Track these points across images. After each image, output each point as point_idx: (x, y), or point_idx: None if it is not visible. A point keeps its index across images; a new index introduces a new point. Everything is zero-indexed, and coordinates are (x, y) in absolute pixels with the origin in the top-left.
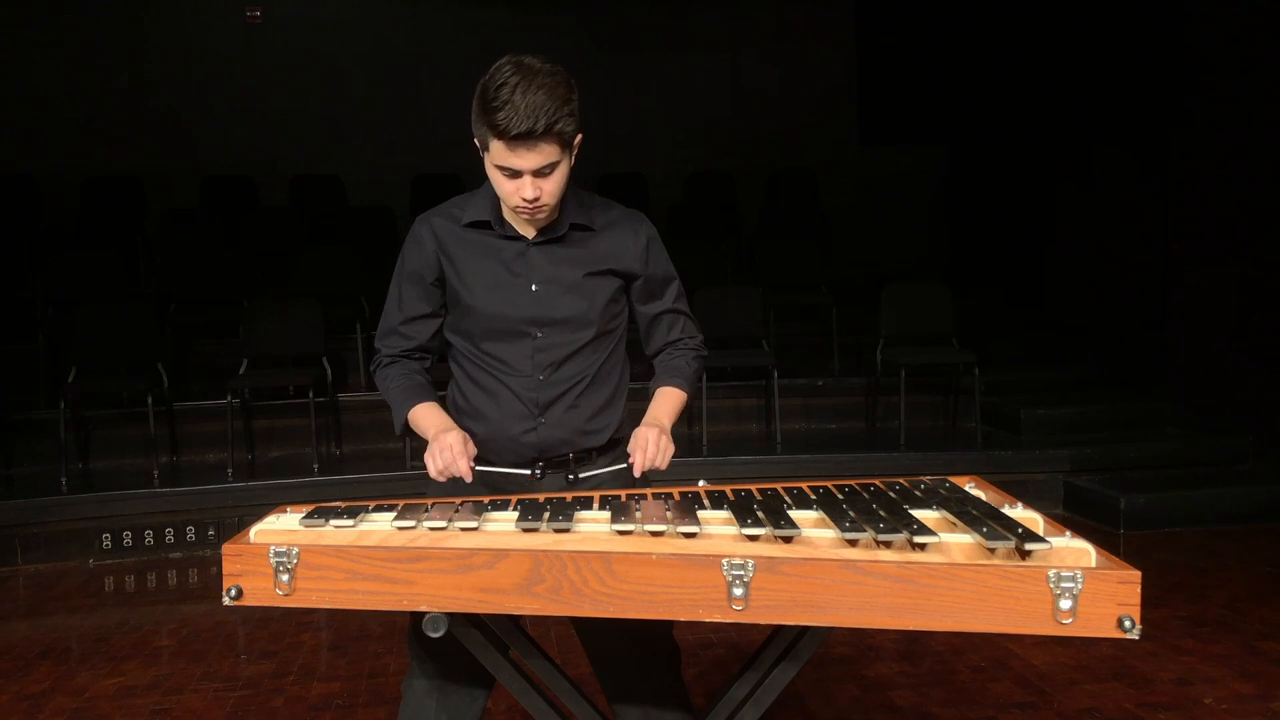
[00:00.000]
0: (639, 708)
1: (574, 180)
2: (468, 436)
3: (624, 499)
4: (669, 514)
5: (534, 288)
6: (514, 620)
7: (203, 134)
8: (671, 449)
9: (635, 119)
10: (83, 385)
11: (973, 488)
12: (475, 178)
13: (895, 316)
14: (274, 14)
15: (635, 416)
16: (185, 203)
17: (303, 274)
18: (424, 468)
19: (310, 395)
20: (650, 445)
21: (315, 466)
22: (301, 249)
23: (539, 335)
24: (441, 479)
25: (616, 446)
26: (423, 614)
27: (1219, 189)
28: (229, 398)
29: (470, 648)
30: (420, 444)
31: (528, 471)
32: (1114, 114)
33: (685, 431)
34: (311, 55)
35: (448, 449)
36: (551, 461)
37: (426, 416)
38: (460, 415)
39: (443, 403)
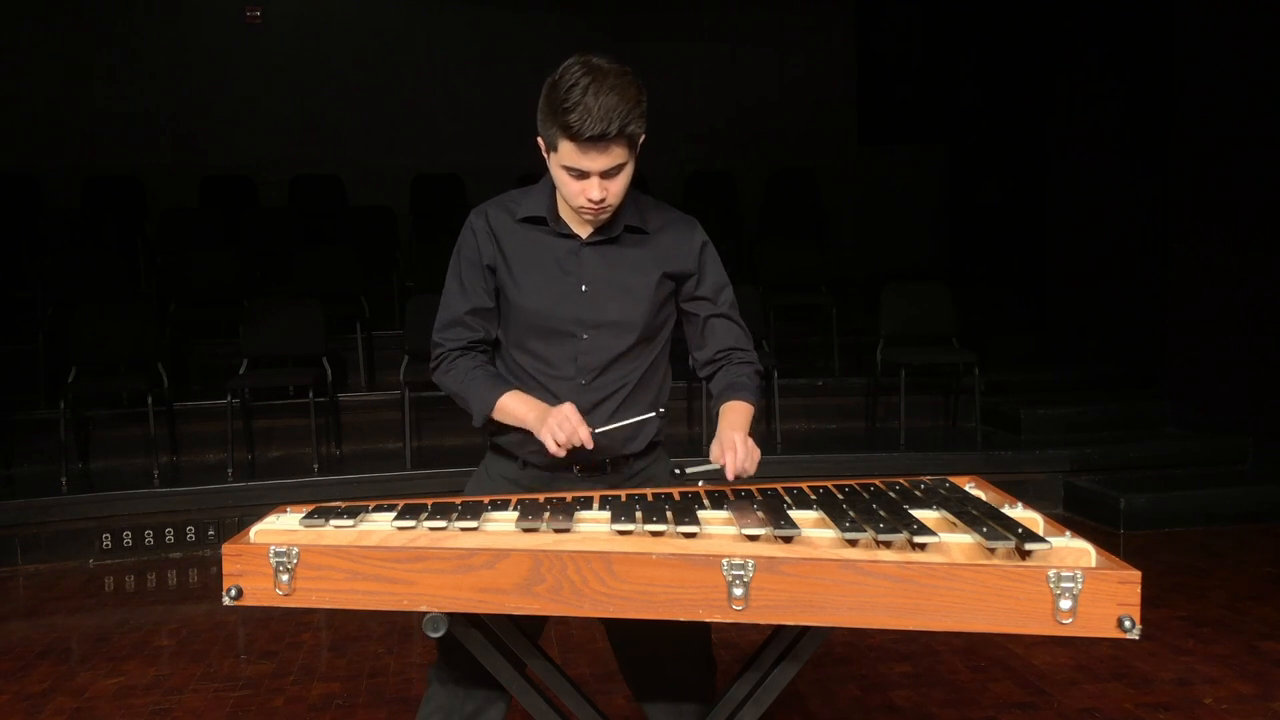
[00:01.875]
0: (671, 704)
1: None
2: (575, 406)
3: (624, 499)
4: (669, 513)
5: (583, 288)
6: (514, 620)
7: (203, 134)
8: (758, 453)
9: None
10: (83, 385)
11: (973, 488)
12: (475, 177)
13: (895, 316)
14: (274, 14)
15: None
16: (185, 203)
17: (303, 274)
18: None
19: (310, 395)
20: (739, 447)
21: (315, 466)
22: (301, 249)
23: (584, 337)
24: (562, 453)
25: (655, 449)
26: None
27: (1219, 188)
28: (229, 398)
29: (470, 648)
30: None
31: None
32: (1113, 113)
33: (686, 432)
34: (311, 55)
35: (566, 420)
36: (588, 467)
37: (520, 403)
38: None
39: None
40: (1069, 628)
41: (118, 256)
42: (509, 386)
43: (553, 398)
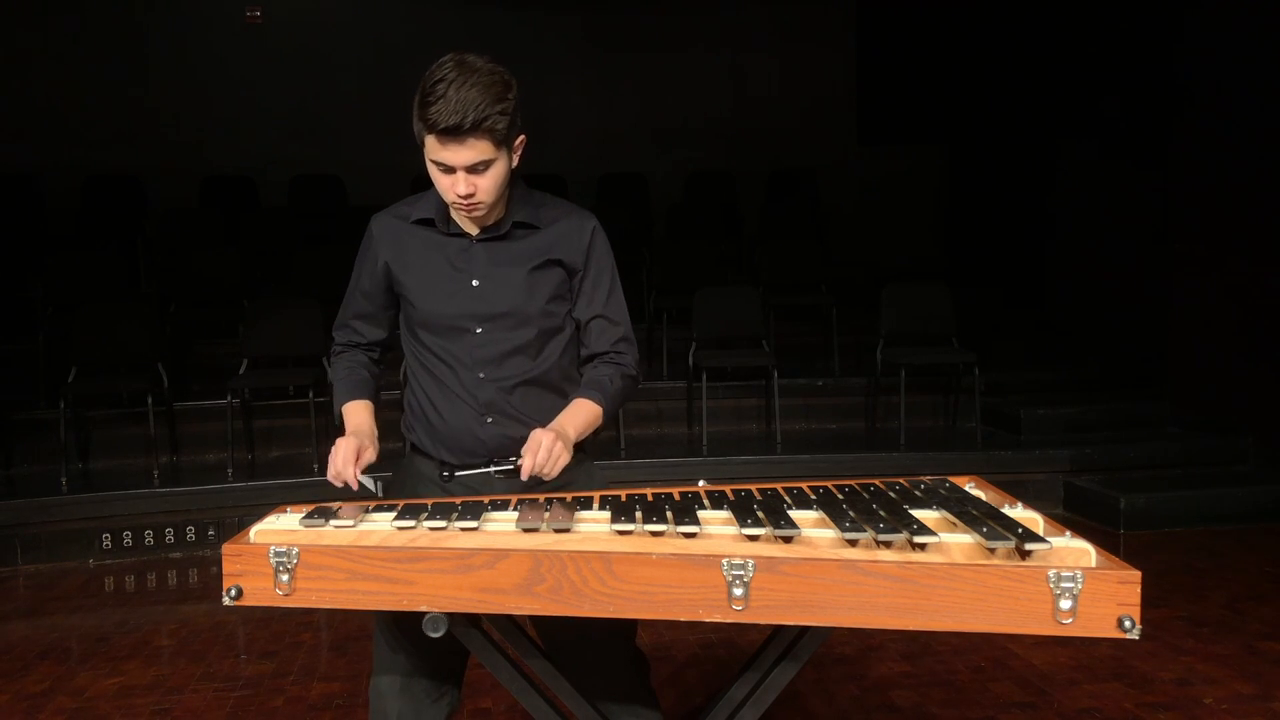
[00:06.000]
0: (601, 706)
1: (571, 180)
2: (365, 443)
3: (624, 499)
4: (669, 513)
5: (475, 283)
6: (514, 620)
7: (203, 134)
8: (565, 458)
9: (635, 119)
10: (83, 385)
11: (973, 488)
12: None
13: (895, 316)
14: (274, 14)
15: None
16: (185, 203)
17: (302, 274)
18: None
19: (310, 395)
20: (542, 450)
21: (315, 466)
22: (301, 249)
23: (479, 331)
24: (336, 484)
25: (576, 453)
26: (386, 615)
27: (1219, 189)
28: (229, 398)
29: (470, 647)
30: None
31: (370, 484)
32: (1113, 114)
33: (685, 432)
34: (311, 55)
35: (340, 455)
36: (503, 463)
37: (348, 416)
38: (415, 413)
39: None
40: (1069, 628)
41: (118, 256)
42: (356, 396)
43: (455, 394)
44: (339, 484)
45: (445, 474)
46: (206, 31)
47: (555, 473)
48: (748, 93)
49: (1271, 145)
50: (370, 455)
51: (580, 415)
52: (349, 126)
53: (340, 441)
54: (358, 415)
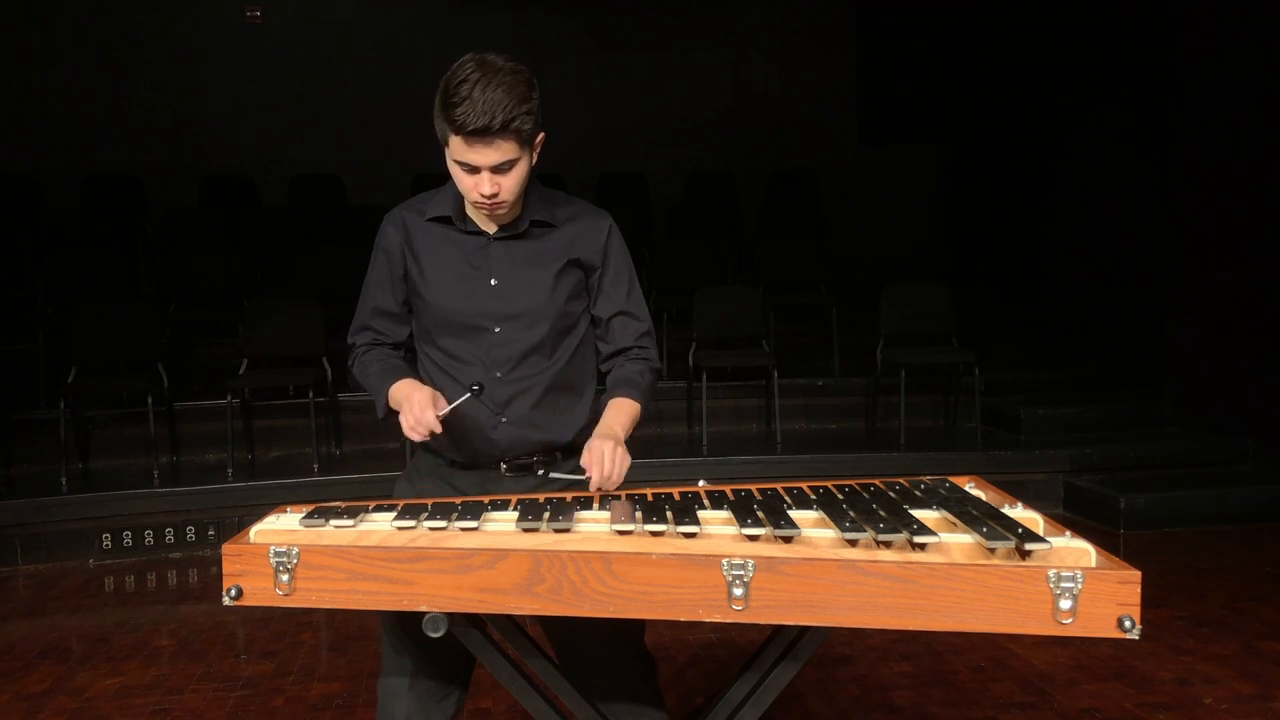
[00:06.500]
0: (606, 705)
1: (571, 180)
2: (438, 394)
3: (623, 498)
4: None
5: (493, 282)
6: (514, 620)
7: (203, 134)
8: (627, 462)
9: (635, 119)
10: (83, 385)
11: (973, 488)
12: None
13: (895, 316)
14: (274, 14)
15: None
16: (185, 203)
17: (302, 274)
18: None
19: (310, 395)
20: (606, 460)
21: (315, 466)
22: (301, 249)
23: (496, 330)
24: (416, 435)
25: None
26: (392, 616)
27: (1219, 189)
28: (229, 398)
29: (470, 647)
30: None
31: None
32: (1113, 113)
33: (685, 432)
34: (311, 55)
35: (415, 404)
36: (514, 464)
37: (401, 389)
38: None
39: None
40: (1069, 628)
41: (118, 256)
42: (400, 375)
43: (467, 392)
44: (418, 436)
45: (541, 472)
46: (206, 31)
47: (620, 479)
48: (748, 93)
49: (1272, 145)
50: (443, 403)
51: (624, 414)
52: (349, 126)
53: (412, 395)
54: (411, 384)
